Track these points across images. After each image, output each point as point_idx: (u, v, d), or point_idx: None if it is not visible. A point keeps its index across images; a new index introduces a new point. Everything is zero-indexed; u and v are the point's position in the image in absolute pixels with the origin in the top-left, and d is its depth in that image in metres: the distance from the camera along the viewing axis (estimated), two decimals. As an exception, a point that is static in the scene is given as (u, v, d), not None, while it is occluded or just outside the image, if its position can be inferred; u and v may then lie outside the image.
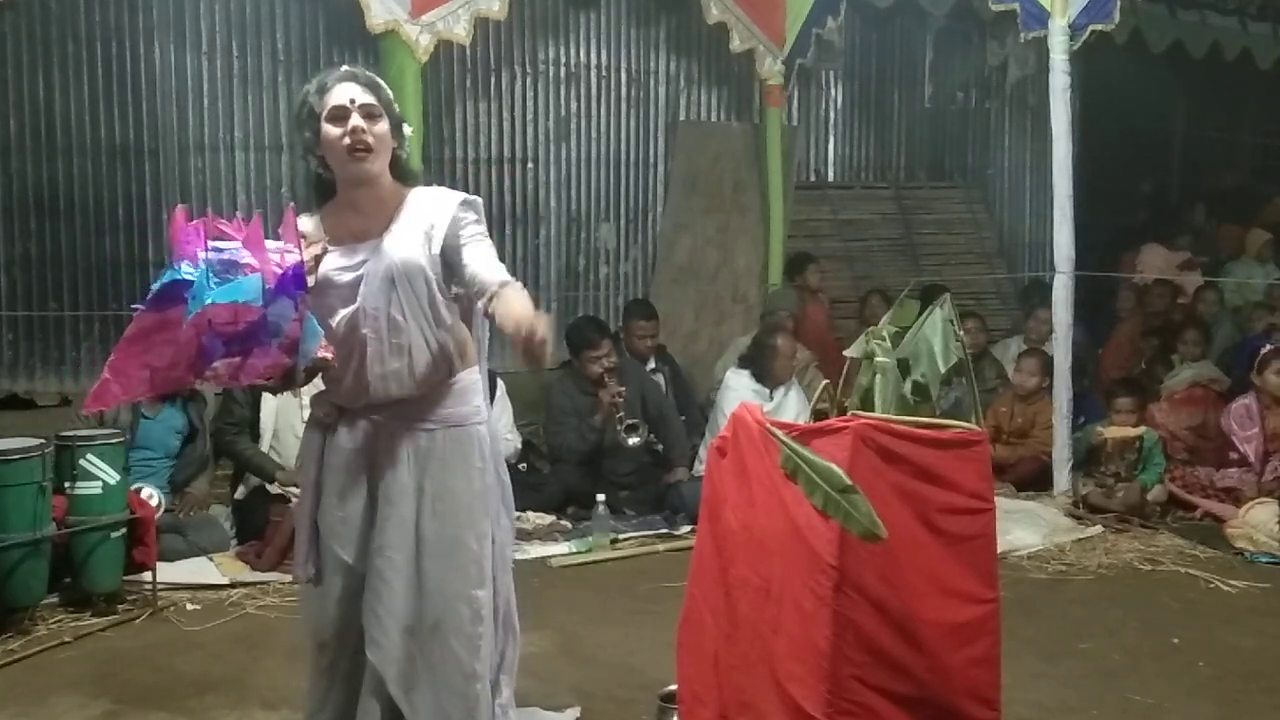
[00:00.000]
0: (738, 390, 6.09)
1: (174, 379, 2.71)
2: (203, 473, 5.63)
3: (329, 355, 2.86)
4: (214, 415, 5.61)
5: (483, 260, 2.87)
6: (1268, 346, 6.51)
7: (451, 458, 2.99)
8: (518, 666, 3.29)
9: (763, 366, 6.24)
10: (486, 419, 3.09)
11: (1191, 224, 10.27)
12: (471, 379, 3.05)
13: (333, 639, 3.05)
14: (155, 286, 2.65)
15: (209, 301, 2.58)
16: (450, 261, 2.93)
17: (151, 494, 5.09)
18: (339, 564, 3.00)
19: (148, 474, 5.34)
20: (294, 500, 5.17)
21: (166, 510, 5.27)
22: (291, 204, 2.88)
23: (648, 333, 6.83)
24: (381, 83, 3.00)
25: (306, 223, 2.96)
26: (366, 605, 2.98)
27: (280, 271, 2.65)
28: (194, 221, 2.69)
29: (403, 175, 3.02)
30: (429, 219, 2.94)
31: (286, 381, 2.85)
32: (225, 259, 2.64)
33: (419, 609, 2.96)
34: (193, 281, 2.60)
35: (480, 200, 3.03)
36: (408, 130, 3.04)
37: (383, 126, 2.92)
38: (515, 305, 2.67)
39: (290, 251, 2.70)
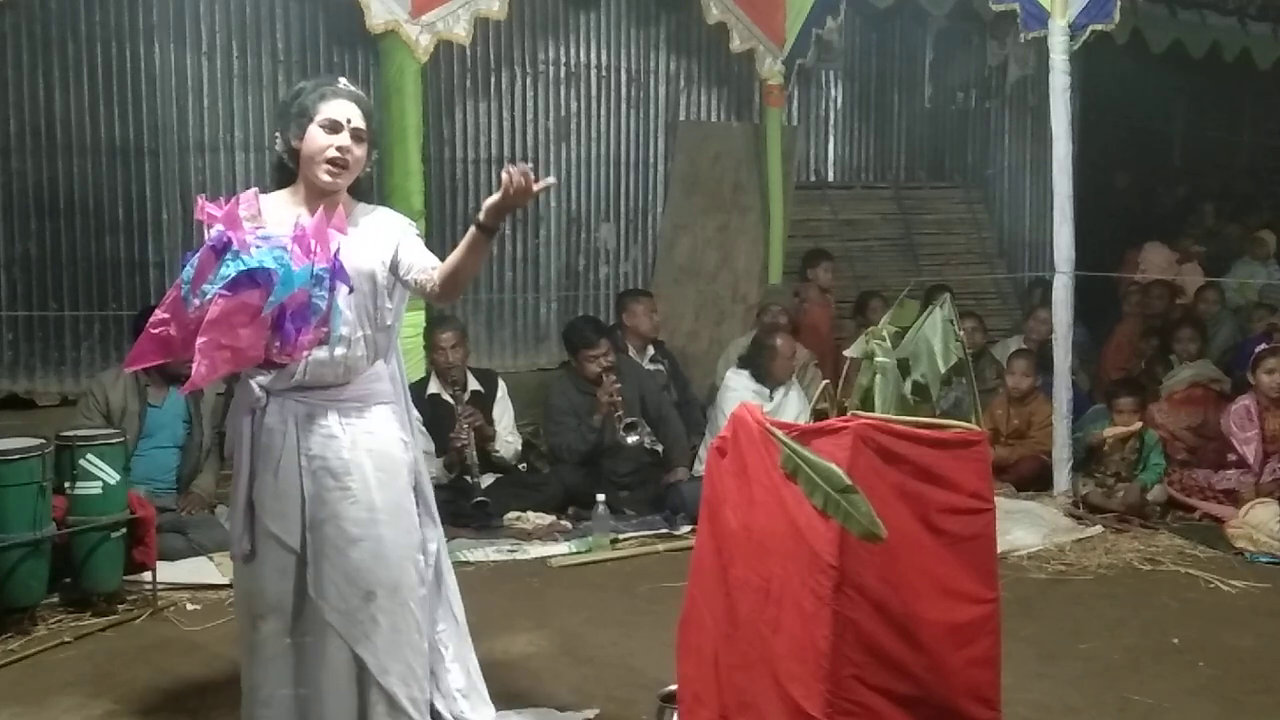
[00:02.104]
0: (738, 390, 6.09)
1: (250, 358, 2.97)
2: (205, 463, 5.59)
3: (345, 331, 3.13)
4: (218, 417, 5.59)
5: (420, 253, 3.22)
6: (1263, 345, 6.50)
7: (382, 431, 3.24)
8: (526, 664, 3.30)
9: (762, 367, 6.24)
10: (399, 402, 3.35)
11: (1200, 224, 10.27)
12: (382, 370, 3.29)
13: (269, 612, 3.18)
14: (228, 273, 2.84)
15: (297, 287, 2.88)
16: (392, 266, 3.23)
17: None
18: (272, 539, 3.16)
19: (157, 465, 5.33)
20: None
21: (168, 509, 5.26)
22: (256, 189, 3.12)
23: (651, 308, 6.84)
24: (371, 110, 3.31)
25: (266, 201, 3.16)
26: (320, 574, 3.15)
27: (333, 257, 2.97)
28: (222, 202, 2.94)
29: (357, 189, 3.32)
30: (382, 231, 3.25)
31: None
32: (275, 244, 2.90)
33: (379, 574, 3.17)
34: (269, 269, 2.86)
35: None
36: (374, 155, 3.34)
37: (363, 150, 3.23)
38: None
39: (333, 239, 3.00)
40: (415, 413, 3.60)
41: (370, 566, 3.16)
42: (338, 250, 3.01)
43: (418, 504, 3.34)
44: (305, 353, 3.04)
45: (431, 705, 3.36)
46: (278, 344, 2.94)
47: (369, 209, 3.32)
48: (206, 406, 5.56)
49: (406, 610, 3.22)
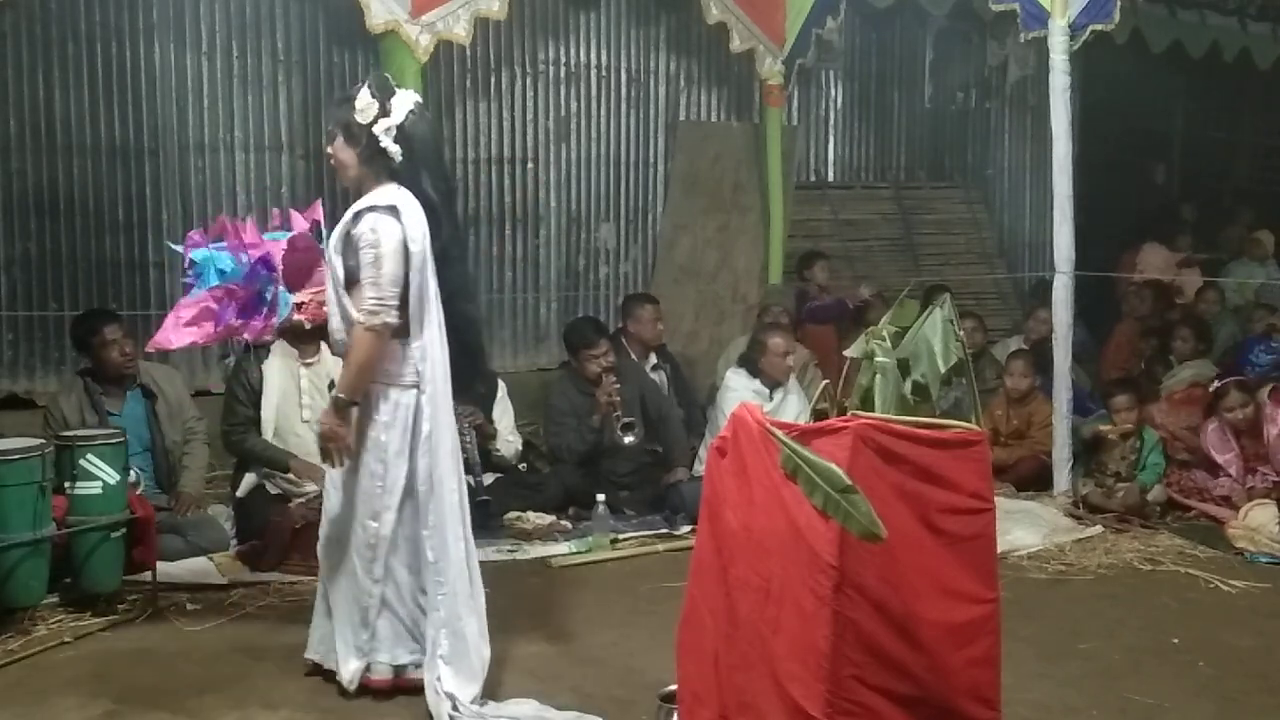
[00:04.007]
0: (738, 390, 6.09)
1: (215, 335, 4.18)
2: (188, 459, 5.51)
3: (301, 316, 4.00)
4: (221, 418, 5.56)
5: (361, 293, 3.67)
6: (1217, 383, 6.40)
7: (364, 407, 3.73)
8: (526, 664, 3.52)
9: (756, 364, 6.24)
10: (413, 385, 3.73)
11: (1189, 226, 10.27)
12: (394, 349, 3.70)
13: None
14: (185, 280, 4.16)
15: (208, 286, 4.02)
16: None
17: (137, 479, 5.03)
18: None
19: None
20: (295, 500, 5.18)
21: (162, 509, 5.22)
22: (275, 209, 3.99)
23: (656, 315, 6.81)
24: (342, 97, 3.84)
25: None
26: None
27: (252, 259, 3.98)
28: (200, 230, 4.12)
29: (379, 171, 3.76)
30: (345, 224, 3.73)
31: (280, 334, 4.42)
32: (223, 253, 4.09)
33: (329, 528, 3.87)
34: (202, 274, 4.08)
35: (377, 206, 3.68)
36: (361, 115, 3.70)
37: (338, 144, 3.76)
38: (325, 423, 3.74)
39: (258, 246, 4.07)
40: (441, 400, 3.79)
41: (334, 515, 3.85)
42: (264, 255, 4.01)
43: (411, 478, 3.76)
44: (261, 335, 4.21)
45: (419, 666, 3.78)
46: (220, 326, 4.05)
47: (365, 199, 3.74)
48: (169, 405, 5.46)
49: (349, 561, 3.81)
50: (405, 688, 3.82)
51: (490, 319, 7.92)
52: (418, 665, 3.82)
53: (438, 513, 3.76)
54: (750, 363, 6.33)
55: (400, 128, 3.72)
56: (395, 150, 3.71)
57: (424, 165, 3.77)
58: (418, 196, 3.74)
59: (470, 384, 3.97)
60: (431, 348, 3.73)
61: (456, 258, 3.86)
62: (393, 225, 3.65)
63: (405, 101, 3.76)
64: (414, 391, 3.72)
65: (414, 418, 3.73)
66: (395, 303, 3.63)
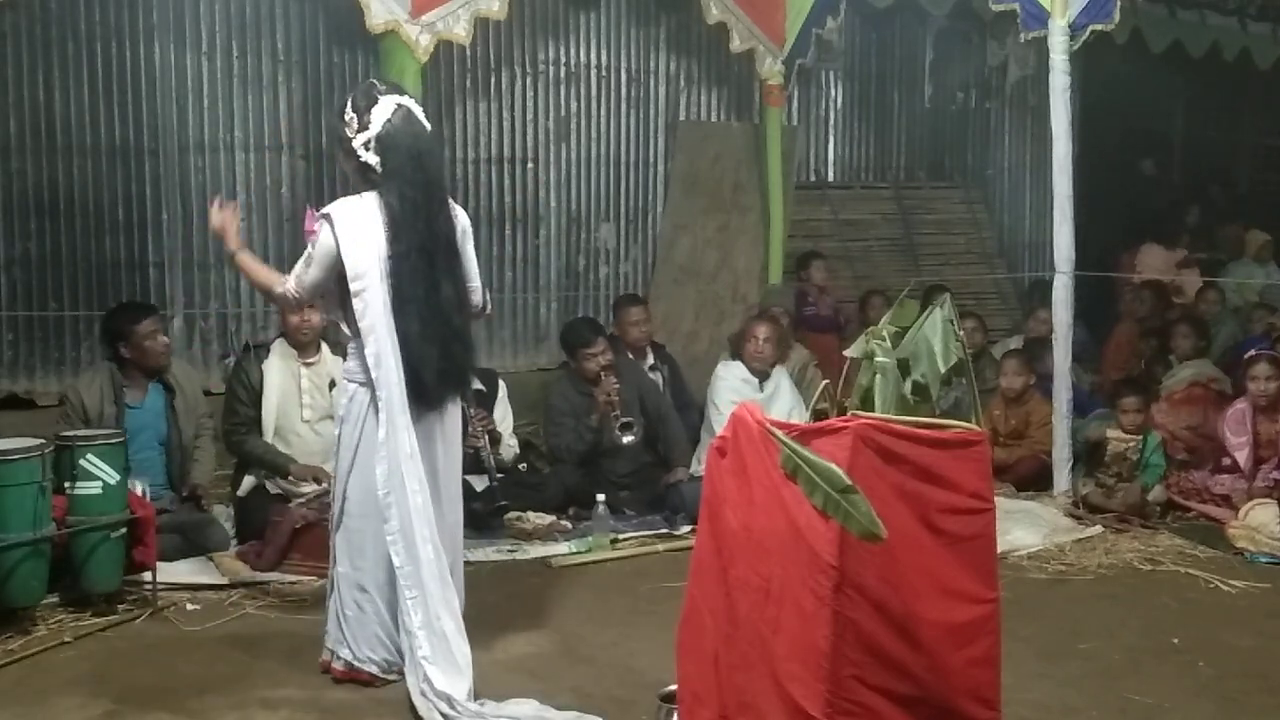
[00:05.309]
0: (726, 380, 6.14)
1: None
2: (197, 454, 5.49)
3: None
4: (221, 418, 5.55)
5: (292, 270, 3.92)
6: (1253, 350, 6.45)
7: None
8: (526, 664, 3.52)
9: (739, 352, 6.27)
10: (367, 384, 3.79)
11: (1185, 226, 10.29)
12: (352, 347, 3.86)
13: None
14: None
15: None
16: None
17: (140, 487, 5.03)
18: None
19: (146, 466, 5.26)
20: (295, 500, 5.18)
21: (164, 510, 5.22)
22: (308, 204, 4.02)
23: (640, 317, 6.80)
24: (339, 108, 3.88)
25: None
26: None
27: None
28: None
29: (364, 178, 3.85)
30: None
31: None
32: None
33: None
34: None
35: (323, 213, 3.81)
36: (348, 129, 3.80)
37: (339, 154, 3.93)
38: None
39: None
40: (397, 406, 3.77)
41: None
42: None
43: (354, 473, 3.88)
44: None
45: (401, 671, 3.81)
46: None
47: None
48: (186, 401, 5.43)
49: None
50: (331, 674, 3.96)
51: (490, 319, 7.92)
52: (337, 655, 3.94)
53: (401, 517, 3.76)
54: (735, 349, 6.37)
55: (377, 138, 3.75)
56: (375, 161, 3.76)
57: (396, 175, 3.76)
58: (385, 207, 3.75)
59: (424, 399, 3.82)
60: (384, 356, 3.74)
61: (406, 273, 3.74)
62: (325, 234, 3.76)
63: (384, 110, 3.76)
64: (367, 389, 3.78)
65: (364, 416, 3.81)
66: (305, 298, 3.95)
